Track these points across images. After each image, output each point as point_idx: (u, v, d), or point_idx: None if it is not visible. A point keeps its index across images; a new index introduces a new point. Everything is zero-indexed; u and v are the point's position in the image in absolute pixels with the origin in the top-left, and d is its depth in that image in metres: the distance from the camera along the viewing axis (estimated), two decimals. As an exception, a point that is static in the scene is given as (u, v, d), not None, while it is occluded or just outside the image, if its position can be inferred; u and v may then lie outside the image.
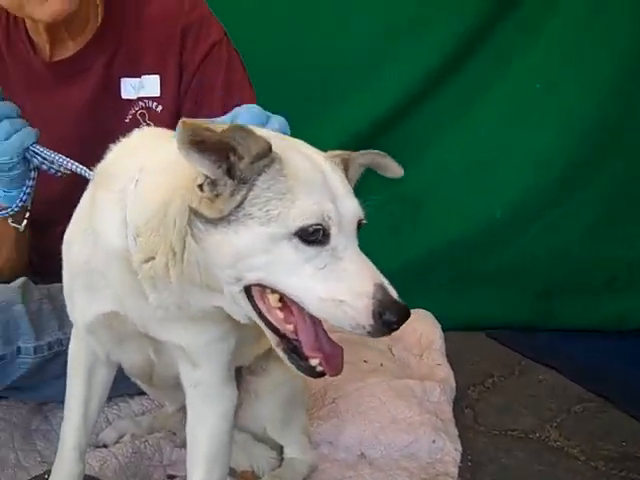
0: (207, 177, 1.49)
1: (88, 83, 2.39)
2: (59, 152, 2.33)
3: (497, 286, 4.07)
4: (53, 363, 2.36)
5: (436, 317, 3.68)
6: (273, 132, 1.71)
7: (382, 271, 1.52)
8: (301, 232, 1.45)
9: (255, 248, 1.47)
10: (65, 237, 1.83)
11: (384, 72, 3.94)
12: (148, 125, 2.37)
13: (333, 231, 1.47)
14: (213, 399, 1.86)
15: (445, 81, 3.98)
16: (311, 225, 1.45)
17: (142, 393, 2.60)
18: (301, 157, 1.54)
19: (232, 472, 2.23)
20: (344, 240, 1.49)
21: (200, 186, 1.50)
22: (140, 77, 2.40)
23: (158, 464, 2.42)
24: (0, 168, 2.03)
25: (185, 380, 1.85)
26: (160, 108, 2.41)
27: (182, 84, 2.41)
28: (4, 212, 2.16)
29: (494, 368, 3.55)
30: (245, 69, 2.52)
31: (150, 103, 2.42)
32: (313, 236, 1.46)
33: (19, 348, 2.28)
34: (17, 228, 2.23)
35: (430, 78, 3.97)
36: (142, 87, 2.40)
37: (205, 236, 1.51)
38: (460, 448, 2.65)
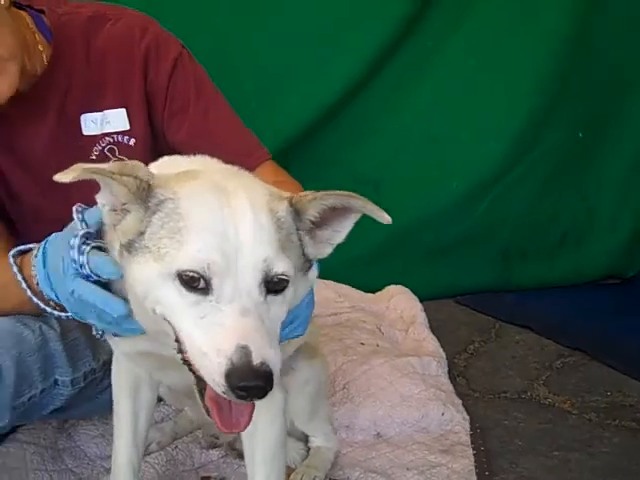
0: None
1: (46, 123, 2.33)
2: (34, 186, 2.35)
3: (459, 254, 4.27)
4: (86, 389, 2.39)
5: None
6: (220, 167, 1.74)
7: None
8: (180, 276, 1.42)
9: (151, 282, 1.46)
10: None
11: (328, 60, 4.04)
12: (120, 159, 2.29)
13: (215, 282, 1.41)
14: (265, 403, 1.85)
15: (388, 62, 4.10)
16: (187, 271, 1.41)
17: (159, 400, 2.67)
18: (210, 198, 1.48)
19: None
20: (230, 292, 1.42)
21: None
22: (102, 112, 2.35)
23: (190, 468, 2.51)
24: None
25: None
26: (133, 141, 2.37)
27: (156, 109, 2.37)
28: (60, 314, 1.85)
29: (472, 334, 3.74)
30: (207, 74, 2.49)
31: (120, 137, 2.37)
32: (193, 283, 1.42)
33: (56, 380, 2.27)
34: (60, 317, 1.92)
35: (373, 62, 4.09)
36: (107, 122, 2.35)
37: (123, 262, 1.55)
38: (467, 417, 2.82)
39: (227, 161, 1.78)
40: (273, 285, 1.47)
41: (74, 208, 1.66)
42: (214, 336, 1.39)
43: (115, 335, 1.79)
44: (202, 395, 1.50)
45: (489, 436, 2.75)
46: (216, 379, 1.37)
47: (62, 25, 2.32)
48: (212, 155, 1.80)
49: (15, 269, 1.85)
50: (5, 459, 2.41)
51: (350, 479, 2.43)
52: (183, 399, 2.48)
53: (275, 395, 1.89)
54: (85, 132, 2.35)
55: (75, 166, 1.46)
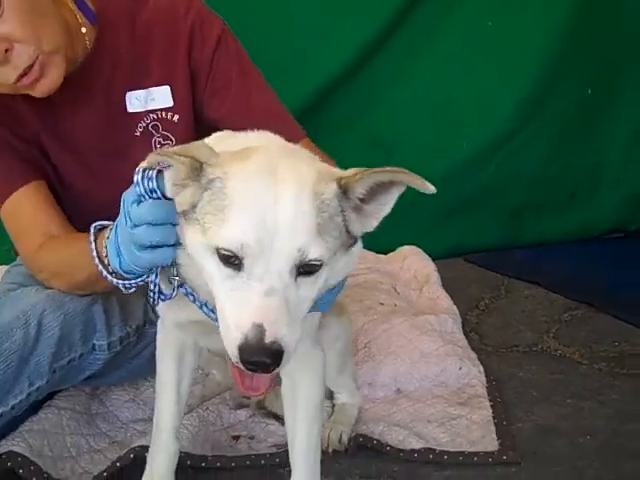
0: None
1: (93, 105, 2.36)
2: (82, 169, 2.41)
3: (468, 214, 4.37)
4: (121, 355, 2.48)
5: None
6: (279, 144, 1.80)
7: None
8: (219, 252, 1.51)
9: (197, 251, 1.58)
10: None
11: (340, 26, 4.10)
12: (164, 136, 2.39)
13: (247, 262, 1.48)
14: (306, 361, 1.98)
15: (399, 27, 4.17)
16: (223, 249, 1.50)
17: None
18: (255, 181, 1.52)
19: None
20: (261, 272, 1.49)
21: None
22: (147, 89, 2.37)
23: (220, 428, 2.61)
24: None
25: None
26: (177, 117, 2.39)
27: (198, 85, 2.40)
28: (123, 282, 1.84)
29: (483, 291, 3.85)
30: (246, 51, 2.50)
31: (164, 114, 2.39)
32: (229, 259, 1.50)
33: (93, 345, 2.36)
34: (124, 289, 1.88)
35: (384, 28, 4.16)
36: (152, 99, 2.38)
37: (181, 225, 1.64)
38: (482, 370, 2.92)
39: None
40: (305, 268, 1.53)
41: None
42: (239, 311, 1.50)
43: (167, 298, 1.82)
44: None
45: (504, 388, 2.85)
46: (232, 350, 1.50)
47: (105, 6, 2.36)
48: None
49: (91, 238, 1.87)
50: (44, 424, 2.49)
51: (375, 433, 2.53)
52: (216, 363, 2.59)
53: (316, 354, 2.04)
54: (130, 109, 2.37)
55: (148, 156, 1.59)
